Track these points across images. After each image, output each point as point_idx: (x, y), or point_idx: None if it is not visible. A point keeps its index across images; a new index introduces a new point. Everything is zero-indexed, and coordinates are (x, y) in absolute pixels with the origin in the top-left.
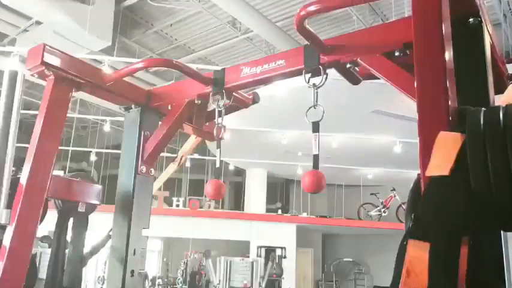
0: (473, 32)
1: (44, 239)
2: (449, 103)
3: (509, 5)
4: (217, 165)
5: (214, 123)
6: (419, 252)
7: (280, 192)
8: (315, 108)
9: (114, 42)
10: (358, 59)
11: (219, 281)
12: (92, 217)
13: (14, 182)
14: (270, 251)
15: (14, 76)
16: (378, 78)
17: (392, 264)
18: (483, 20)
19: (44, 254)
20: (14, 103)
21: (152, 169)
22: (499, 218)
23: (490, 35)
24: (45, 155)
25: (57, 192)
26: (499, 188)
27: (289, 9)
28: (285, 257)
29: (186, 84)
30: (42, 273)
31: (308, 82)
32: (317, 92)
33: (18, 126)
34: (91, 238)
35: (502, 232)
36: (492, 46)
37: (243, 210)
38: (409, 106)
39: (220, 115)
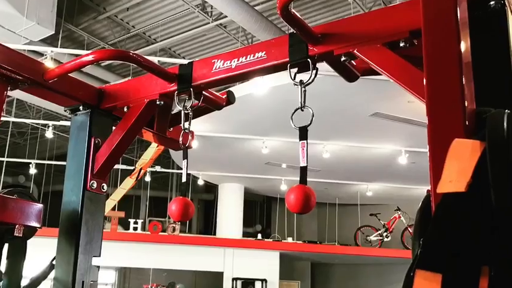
0: (494, 17)
1: None
2: (466, 104)
3: None
4: (184, 179)
5: (180, 128)
6: (429, 285)
7: (260, 213)
8: (302, 110)
9: (59, 31)
10: (355, 51)
11: None
12: (31, 243)
13: None
14: (247, 283)
15: None
16: (379, 74)
17: None
18: (507, 3)
19: None
20: None
21: (104, 184)
22: None
23: None
24: None
25: None
26: None
27: None
28: None
29: (145, 82)
30: None
31: (294, 79)
32: (305, 91)
33: None
34: (30, 268)
35: None
36: None
37: (214, 234)
38: (416, 108)
39: (187, 119)
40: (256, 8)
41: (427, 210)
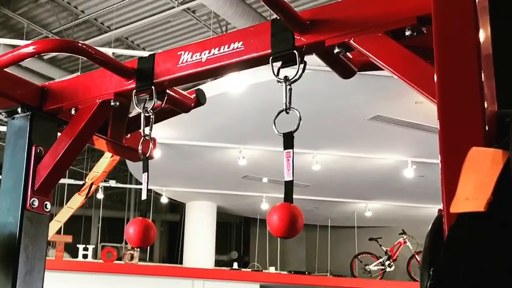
0: None
1: None
2: (486, 105)
3: None
4: (144, 197)
5: (139, 134)
6: None
7: (236, 237)
8: (287, 112)
9: None
10: (351, 41)
11: None
12: None
13: None
14: None
15: None
16: (381, 69)
17: None
18: None
19: None
20: None
21: (48, 203)
22: None
23: None
24: None
25: None
26: None
27: None
28: None
29: (97, 78)
30: None
31: (277, 74)
32: (290, 89)
33: None
34: None
35: None
36: None
37: (181, 263)
38: (425, 110)
39: (148, 123)
40: None
41: (438, 234)
